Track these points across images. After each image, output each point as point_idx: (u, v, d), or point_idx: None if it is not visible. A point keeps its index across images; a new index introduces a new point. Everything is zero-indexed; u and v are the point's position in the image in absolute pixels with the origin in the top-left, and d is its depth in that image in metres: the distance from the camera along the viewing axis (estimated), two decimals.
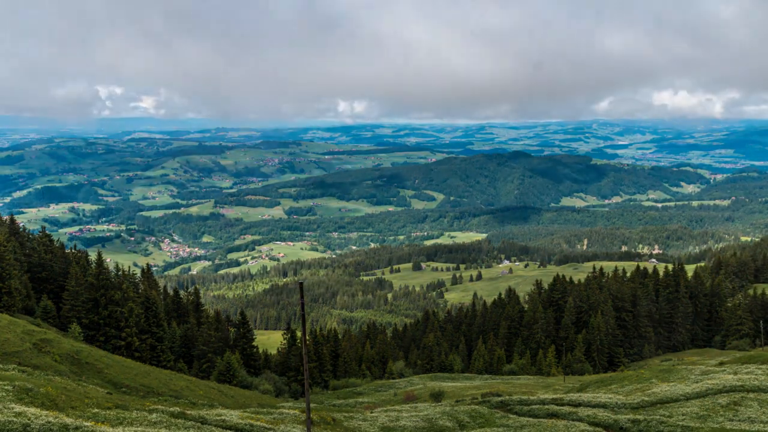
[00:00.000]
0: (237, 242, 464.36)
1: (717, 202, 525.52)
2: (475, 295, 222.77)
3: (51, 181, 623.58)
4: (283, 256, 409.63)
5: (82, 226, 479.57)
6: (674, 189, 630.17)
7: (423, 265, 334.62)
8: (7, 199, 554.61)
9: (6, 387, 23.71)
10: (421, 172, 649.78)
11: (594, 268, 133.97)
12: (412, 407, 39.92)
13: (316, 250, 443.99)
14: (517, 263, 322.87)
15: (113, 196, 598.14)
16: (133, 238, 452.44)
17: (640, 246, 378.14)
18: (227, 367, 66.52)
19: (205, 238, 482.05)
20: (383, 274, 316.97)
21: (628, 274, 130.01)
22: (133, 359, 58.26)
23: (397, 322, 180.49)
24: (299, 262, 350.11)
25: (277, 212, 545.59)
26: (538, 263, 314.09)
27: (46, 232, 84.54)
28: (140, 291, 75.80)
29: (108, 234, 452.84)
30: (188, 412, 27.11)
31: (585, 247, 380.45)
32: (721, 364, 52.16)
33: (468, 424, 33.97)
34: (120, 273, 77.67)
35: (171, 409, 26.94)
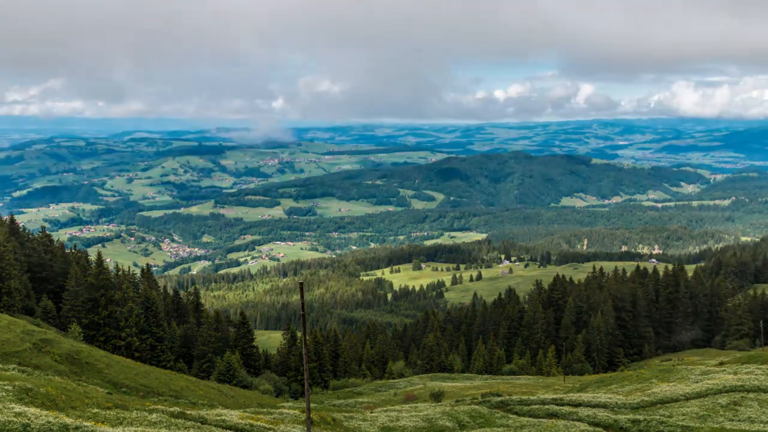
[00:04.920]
0: (237, 242, 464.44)
1: (717, 202, 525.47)
2: (475, 295, 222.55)
3: (51, 181, 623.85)
4: (283, 256, 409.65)
5: (82, 226, 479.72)
6: (674, 189, 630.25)
7: (423, 265, 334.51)
8: (7, 199, 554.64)
9: (6, 387, 23.72)
10: (421, 172, 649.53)
11: (594, 268, 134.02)
12: (412, 407, 39.92)
13: (316, 250, 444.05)
14: (517, 263, 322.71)
15: (113, 196, 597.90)
16: (133, 238, 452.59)
17: (640, 246, 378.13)
18: (227, 367, 66.50)
19: (205, 238, 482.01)
20: (383, 274, 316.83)
21: (628, 274, 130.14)
22: (133, 359, 58.26)
23: (397, 322, 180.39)
24: (299, 262, 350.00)
25: (277, 212, 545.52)
26: (538, 263, 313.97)
27: (46, 232, 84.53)
28: (140, 291, 75.75)
29: (108, 234, 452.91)
30: (188, 412, 27.12)
31: (585, 247, 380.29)
32: (721, 364, 52.15)
33: (468, 424, 33.97)
34: (120, 273, 77.64)
35: (171, 409, 26.94)
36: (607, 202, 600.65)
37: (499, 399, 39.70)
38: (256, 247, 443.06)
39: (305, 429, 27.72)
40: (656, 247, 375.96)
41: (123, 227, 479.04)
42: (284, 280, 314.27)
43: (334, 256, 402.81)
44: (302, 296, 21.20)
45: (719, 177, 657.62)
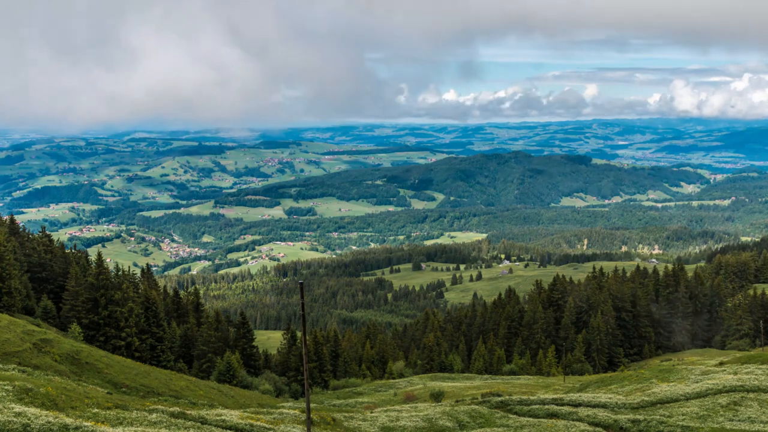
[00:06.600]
0: (237, 242, 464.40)
1: (717, 202, 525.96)
2: (475, 295, 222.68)
3: (51, 181, 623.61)
4: (283, 256, 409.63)
5: (82, 226, 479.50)
6: (674, 189, 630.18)
7: (423, 265, 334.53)
8: (7, 199, 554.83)
9: (6, 387, 23.72)
10: (421, 172, 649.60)
11: (594, 268, 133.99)
12: (412, 407, 39.93)
13: (316, 250, 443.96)
14: (517, 263, 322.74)
15: (113, 196, 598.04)
16: (133, 238, 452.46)
17: (640, 246, 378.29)
18: (227, 367, 66.52)
19: (205, 238, 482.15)
20: (383, 274, 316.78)
21: (628, 274, 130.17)
22: (133, 359, 58.23)
23: (397, 322, 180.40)
24: (299, 262, 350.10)
25: (277, 212, 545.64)
26: (538, 263, 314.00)
27: (46, 232, 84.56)
28: (140, 291, 75.75)
29: (108, 234, 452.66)
30: (188, 412, 27.12)
31: (585, 247, 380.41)
32: (721, 364, 52.15)
33: (468, 424, 33.98)
34: (120, 273, 77.64)
35: (171, 409, 26.95)
36: (607, 202, 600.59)
37: (499, 399, 39.72)
38: (256, 247, 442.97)
39: (305, 429, 27.72)
40: (656, 247, 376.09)
41: (123, 227, 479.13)
42: (284, 280, 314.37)
43: (334, 256, 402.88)
44: (302, 296, 21.23)
45: (719, 177, 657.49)
